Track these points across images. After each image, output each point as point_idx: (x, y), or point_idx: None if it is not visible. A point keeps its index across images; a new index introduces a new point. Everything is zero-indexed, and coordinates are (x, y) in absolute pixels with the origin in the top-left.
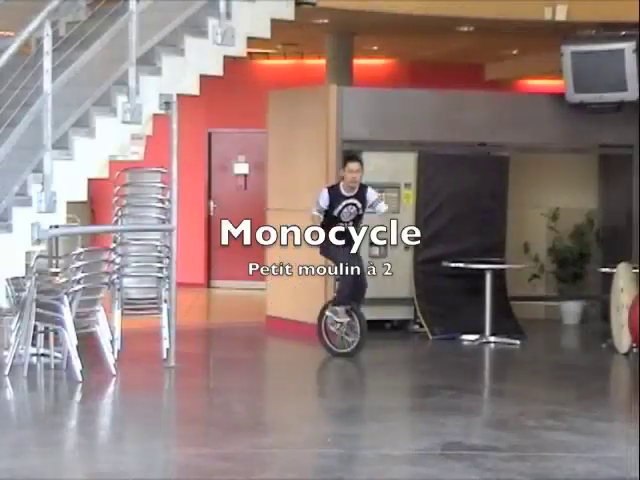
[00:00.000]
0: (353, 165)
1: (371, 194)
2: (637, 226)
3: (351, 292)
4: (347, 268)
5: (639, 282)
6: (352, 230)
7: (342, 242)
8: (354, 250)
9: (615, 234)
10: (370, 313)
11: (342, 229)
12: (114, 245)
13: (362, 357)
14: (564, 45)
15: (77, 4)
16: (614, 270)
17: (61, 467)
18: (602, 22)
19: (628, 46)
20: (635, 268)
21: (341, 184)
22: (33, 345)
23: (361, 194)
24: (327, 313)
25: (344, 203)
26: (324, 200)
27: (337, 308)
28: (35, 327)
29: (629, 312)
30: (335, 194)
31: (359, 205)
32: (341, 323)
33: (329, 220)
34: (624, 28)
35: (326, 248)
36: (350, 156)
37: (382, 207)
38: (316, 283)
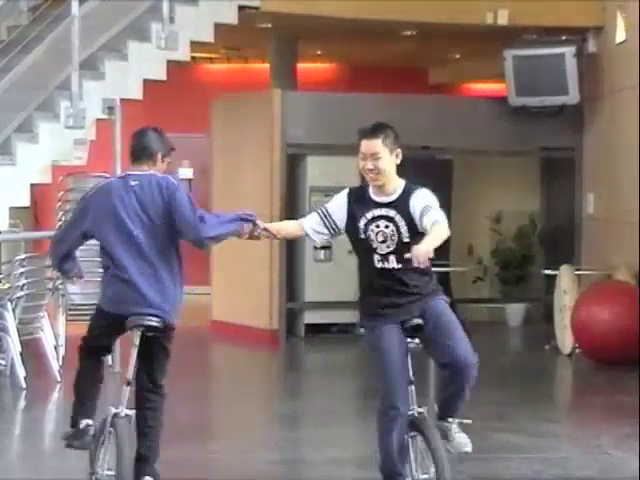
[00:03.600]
0: (366, 144)
1: (418, 199)
2: (579, 228)
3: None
4: (391, 363)
5: (581, 284)
6: (404, 274)
7: (390, 309)
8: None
9: (557, 236)
10: (315, 317)
11: (382, 266)
12: None
13: (307, 361)
14: (506, 49)
15: (18, 8)
16: (557, 272)
17: (4, 475)
18: (543, 27)
19: (569, 50)
20: (577, 270)
21: (370, 184)
22: None
23: (404, 202)
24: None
25: (371, 215)
26: (335, 205)
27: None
28: None
29: (571, 314)
30: (359, 198)
31: (399, 220)
32: None
33: (362, 253)
34: (565, 33)
35: (363, 318)
36: (365, 128)
37: (428, 220)
38: (260, 287)
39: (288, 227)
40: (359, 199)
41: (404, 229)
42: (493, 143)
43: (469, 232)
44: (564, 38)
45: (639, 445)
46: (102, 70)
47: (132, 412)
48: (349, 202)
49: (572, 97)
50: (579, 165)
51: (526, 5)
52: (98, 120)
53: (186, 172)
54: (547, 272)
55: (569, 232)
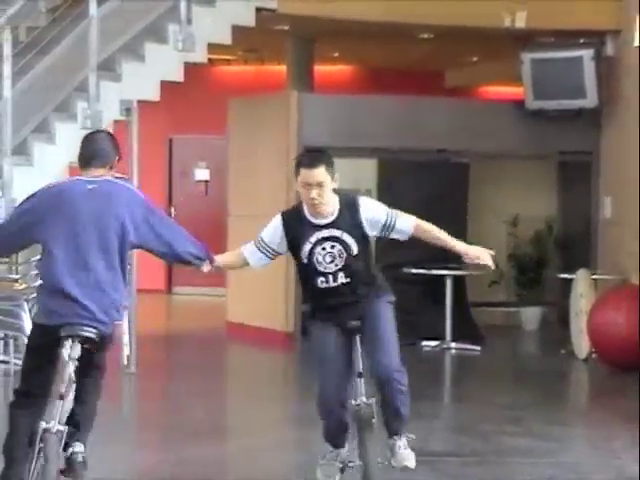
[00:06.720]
0: (308, 173)
1: (369, 210)
2: (596, 232)
3: (337, 422)
4: (326, 371)
5: (597, 288)
6: (348, 289)
7: (330, 314)
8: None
9: (574, 240)
10: None
11: (327, 286)
12: None
13: None
14: (523, 52)
15: (37, 9)
16: (573, 276)
17: None
18: (561, 30)
19: (587, 53)
20: (594, 274)
21: (304, 205)
22: None
23: (347, 217)
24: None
25: (315, 238)
26: (270, 235)
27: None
28: None
29: (588, 318)
30: (295, 223)
31: (347, 237)
32: None
33: (303, 274)
34: (583, 35)
35: (307, 325)
36: (304, 157)
37: (405, 224)
38: (276, 289)
39: (229, 261)
40: (296, 223)
41: (353, 243)
42: (510, 147)
43: (485, 236)
44: (582, 41)
45: (639, 449)
46: (119, 71)
47: (64, 428)
48: (285, 228)
49: (590, 100)
50: (596, 169)
51: (544, 8)
52: (115, 121)
53: (203, 173)
54: (563, 276)
55: (586, 236)
